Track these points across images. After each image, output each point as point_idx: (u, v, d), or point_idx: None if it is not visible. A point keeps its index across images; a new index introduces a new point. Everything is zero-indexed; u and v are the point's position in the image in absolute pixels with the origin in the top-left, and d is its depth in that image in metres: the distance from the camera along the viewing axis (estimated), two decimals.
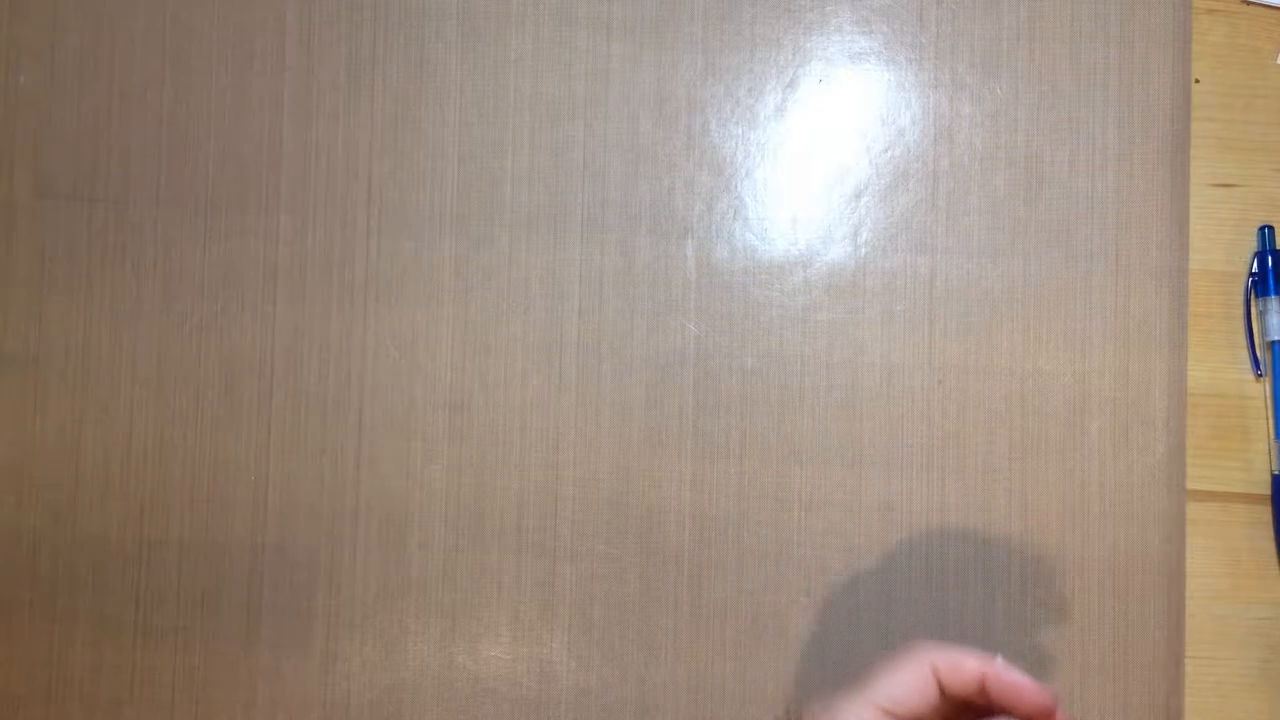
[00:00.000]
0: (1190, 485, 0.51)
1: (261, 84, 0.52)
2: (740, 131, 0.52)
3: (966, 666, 0.36)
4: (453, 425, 0.51)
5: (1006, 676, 0.35)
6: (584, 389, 0.51)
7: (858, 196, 0.52)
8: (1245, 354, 0.51)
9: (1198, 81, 0.52)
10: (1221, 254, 0.51)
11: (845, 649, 0.50)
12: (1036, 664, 0.50)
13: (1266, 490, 0.51)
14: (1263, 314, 0.51)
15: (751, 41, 0.52)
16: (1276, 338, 0.51)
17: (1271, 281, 0.51)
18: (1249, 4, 0.52)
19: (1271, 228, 0.51)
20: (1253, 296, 0.51)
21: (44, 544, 0.52)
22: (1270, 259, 0.51)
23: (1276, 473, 0.51)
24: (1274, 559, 0.51)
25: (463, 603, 0.51)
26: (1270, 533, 0.51)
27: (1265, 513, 0.51)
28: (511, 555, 0.51)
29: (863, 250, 0.52)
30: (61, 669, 0.51)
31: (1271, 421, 0.51)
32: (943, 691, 0.36)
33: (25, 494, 0.52)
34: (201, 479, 0.52)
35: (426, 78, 0.52)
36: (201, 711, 0.51)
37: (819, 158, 0.52)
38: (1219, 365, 0.51)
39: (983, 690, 0.36)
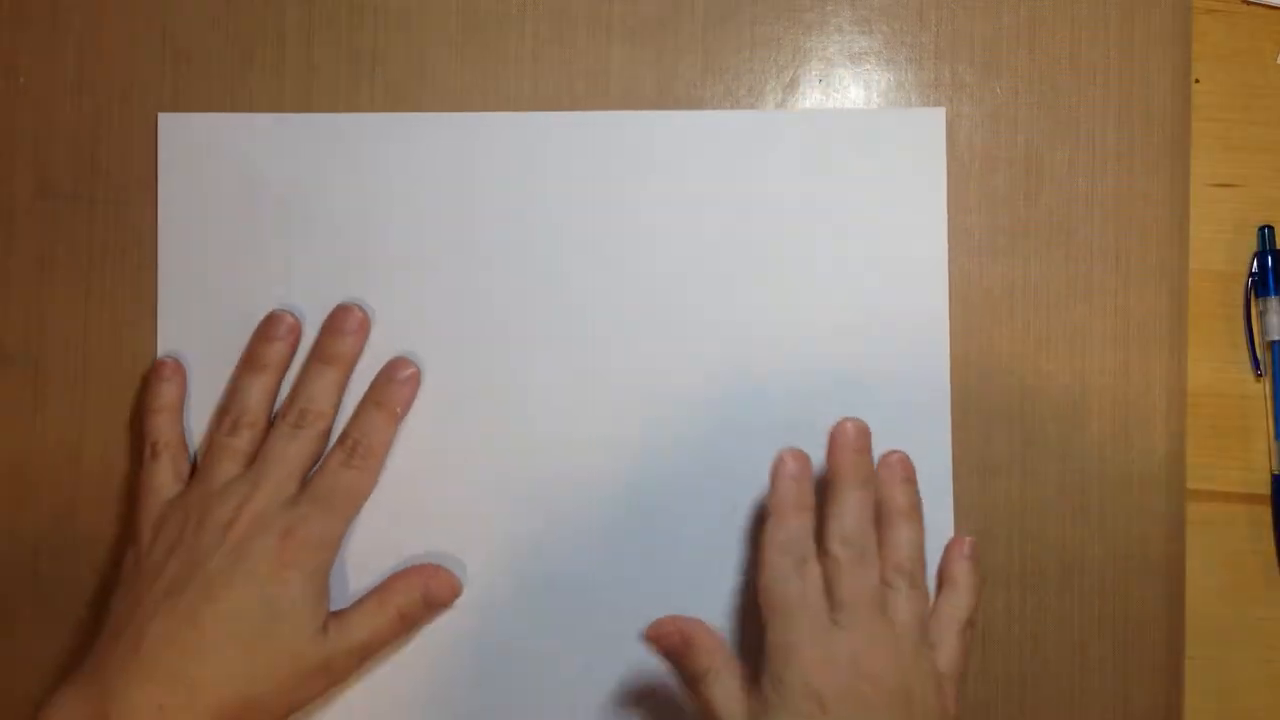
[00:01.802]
0: (1190, 485, 0.51)
1: (261, 84, 0.52)
2: None
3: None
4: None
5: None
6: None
7: None
8: (1245, 354, 0.51)
9: (1198, 81, 0.52)
10: (1221, 254, 0.51)
11: None
12: (1035, 662, 0.50)
13: (1266, 490, 0.51)
14: (1263, 314, 0.51)
15: (751, 41, 0.52)
16: (1276, 338, 0.51)
17: (1271, 281, 0.51)
18: (1249, 4, 0.52)
19: (1271, 228, 0.51)
20: (1253, 296, 0.51)
21: (44, 544, 0.52)
22: (1270, 259, 0.51)
23: (1276, 473, 0.51)
24: (1274, 559, 0.51)
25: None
26: (1270, 533, 0.51)
27: (1265, 513, 0.51)
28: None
29: None
30: (61, 669, 0.51)
31: (1271, 421, 0.51)
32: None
33: (25, 494, 0.52)
34: None
35: (426, 78, 0.52)
36: None
37: None
38: (1219, 365, 0.51)
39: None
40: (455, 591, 0.50)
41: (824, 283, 0.51)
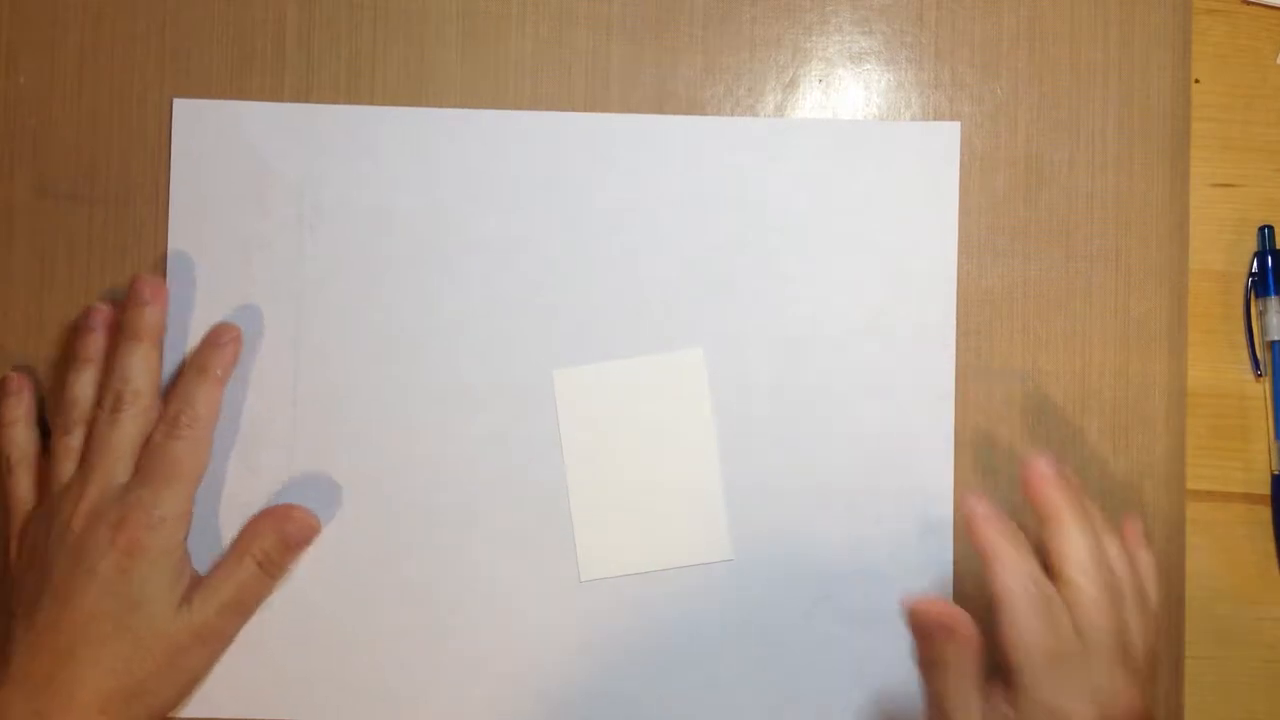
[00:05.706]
0: (1190, 485, 0.51)
1: (261, 84, 0.52)
2: None
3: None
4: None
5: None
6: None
7: None
8: (1245, 354, 0.51)
9: (1198, 81, 0.52)
10: (1221, 254, 0.51)
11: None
12: None
13: (1266, 490, 0.51)
14: (1263, 314, 0.51)
15: (751, 41, 0.52)
16: (1276, 338, 0.51)
17: (1271, 281, 0.51)
18: (1249, 4, 0.52)
19: (1271, 228, 0.51)
20: (1253, 296, 0.51)
21: None
22: (1270, 259, 0.51)
23: (1276, 473, 0.51)
24: (1274, 559, 0.51)
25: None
26: (1270, 533, 0.51)
27: (1265, 513, 0.51)
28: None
29: None
30: None
31: (1271, 421, 0.51)
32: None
33: None
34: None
35: (426, 77, 0.52)
36: None
37: None
38: (1219, 365, 0.51)
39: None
40: (313, 529, 0.49)
41: (832, 289, 0.51)
